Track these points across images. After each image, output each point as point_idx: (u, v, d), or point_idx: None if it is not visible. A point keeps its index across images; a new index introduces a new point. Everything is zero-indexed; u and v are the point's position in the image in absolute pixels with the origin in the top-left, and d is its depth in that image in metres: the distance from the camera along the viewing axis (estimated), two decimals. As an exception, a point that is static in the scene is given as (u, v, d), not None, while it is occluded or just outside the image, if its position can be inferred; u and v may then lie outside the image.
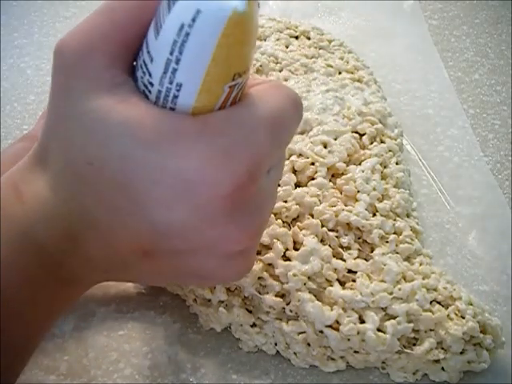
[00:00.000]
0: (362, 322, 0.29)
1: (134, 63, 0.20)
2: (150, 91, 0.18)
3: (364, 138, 0.37)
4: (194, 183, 0.18)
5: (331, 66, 0.42)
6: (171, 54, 0.17)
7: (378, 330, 0.29)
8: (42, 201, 0.20)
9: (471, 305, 0.30)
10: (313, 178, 0.34)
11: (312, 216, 0.32)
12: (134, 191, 0.18)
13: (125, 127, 0.18)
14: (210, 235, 0.20)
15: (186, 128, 0.18)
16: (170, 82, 0.18)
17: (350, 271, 0.31)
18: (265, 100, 0.20)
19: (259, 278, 0.30)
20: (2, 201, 0.20)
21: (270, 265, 0.30)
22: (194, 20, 0.16)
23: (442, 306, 0.30)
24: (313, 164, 0.34)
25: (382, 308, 0.29)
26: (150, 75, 0.18)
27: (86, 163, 0.18)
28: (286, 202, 0.32)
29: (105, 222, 0.19)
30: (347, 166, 0.35)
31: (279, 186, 0.32)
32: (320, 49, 0.44)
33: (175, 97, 0.18)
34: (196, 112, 0.18)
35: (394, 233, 0.32)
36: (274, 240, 0.30)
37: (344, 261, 0.31)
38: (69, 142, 0.19)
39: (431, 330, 0.29)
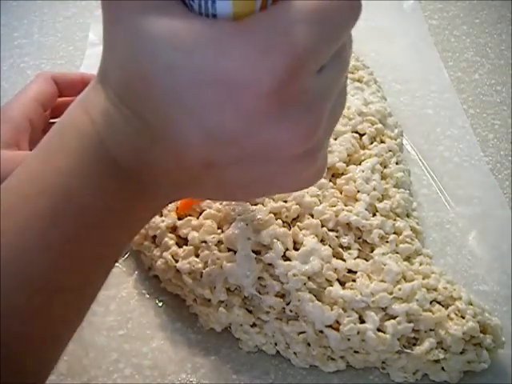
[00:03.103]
0: (362, 322, 0.29)
1: None
2: (193, 0, 0.19)
3: (364, 138, 0.37)
4: (235, 84, 0.18)
5: (331, 66, 0.42)
6: None
7: (378, 330, 0.29)
8: (107, 119, 0.21)
9: (471, 305, 0.30)
10: (313, 178, 0.34)
11: (312, 216, 0.32)
12: (184, 100, 0.19)
13: (167, 37, 0.18)
14: (261, 138, 0.20)
15: (225, 30, 0.18)
16: None
17: (350, 271, 0.31)
18: None
19: (259, 278, 0.30)
20: (76, 120, 0.21)
21: (270, 265, 0.30)
22: None
23: (442, 305, 0.30)
24: (313, 164, 0.34)
25: (382, 308, 0.29)
26: None
27: (139, 78, 0.19)
28: (285, 202, 0.32)
29: (165, 135, 0.20)
30: (347, 166, 0.35)
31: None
32: (320, 49, 0.44)
33: (213, 2, 0.18)
34: (237, 18, 0.19)
35: (394, 233, 0.32)
36: (274, 240, 0.30)
37: (344, 261, 0.31)
38: (122, 61, 0.20)
39: (431, 330, 0.29)
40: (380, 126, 0.37)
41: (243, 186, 0.23)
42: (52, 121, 0.39)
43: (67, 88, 0.38)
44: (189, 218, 0.32)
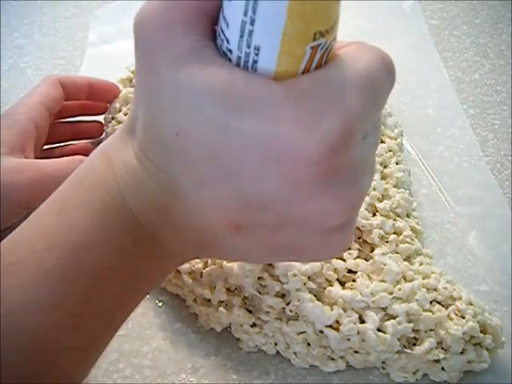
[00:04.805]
0: (362, 321, 0.29)
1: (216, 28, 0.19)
2: (230, 59, 0.18)
3: (364, 137, 0.37)
4: (283, 149, 0.17)
5: (331, 66, 0.42)
6: (245, 15, 0.16)
7: (378, 329, 0.29)
8: (130, 171, 0.19)
9: (471, 305, 0.30)
10: (313, 178, 0.34)
11: (312, 216, 0.32)
12: (223, 161, 0.18)
13: (210, 94, 0.17)
14: (302, 208, 0.18)
15: (274, 90, 0.17)
16: (248, 46, 0.17)
17: (350, 271, 0.31)
18: (354, 60, 0.18)
19: (259, 278, 0.30)
20: (96, 170, 0.20)
21: (270, 265, 0.30)
22: None
23: (442, 305, 0.30)
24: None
25: (382, 308, 0.29)
26: (227, 41, 0.17)
27: (173, 134, 0.18)
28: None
29: (194, 194, 0.19)
30: (347, 165, 0.35)
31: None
32: (320, 49, 0.44)
33: (255, 62, 0.17)
34: (278, 77, 0.17)
35: (394, 233, 0.32)
36: (274, 240, 0.30)
37: (344, 261, 0.31)
38: (155, 114, 0.18)
39: (431, 330, 0.29)
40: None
41: (268, 251, 0.21)
42: (56, 121, 0.39)
43: (73, 92, 0.38)
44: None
